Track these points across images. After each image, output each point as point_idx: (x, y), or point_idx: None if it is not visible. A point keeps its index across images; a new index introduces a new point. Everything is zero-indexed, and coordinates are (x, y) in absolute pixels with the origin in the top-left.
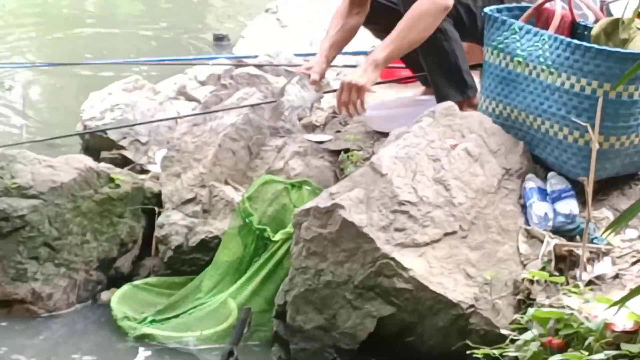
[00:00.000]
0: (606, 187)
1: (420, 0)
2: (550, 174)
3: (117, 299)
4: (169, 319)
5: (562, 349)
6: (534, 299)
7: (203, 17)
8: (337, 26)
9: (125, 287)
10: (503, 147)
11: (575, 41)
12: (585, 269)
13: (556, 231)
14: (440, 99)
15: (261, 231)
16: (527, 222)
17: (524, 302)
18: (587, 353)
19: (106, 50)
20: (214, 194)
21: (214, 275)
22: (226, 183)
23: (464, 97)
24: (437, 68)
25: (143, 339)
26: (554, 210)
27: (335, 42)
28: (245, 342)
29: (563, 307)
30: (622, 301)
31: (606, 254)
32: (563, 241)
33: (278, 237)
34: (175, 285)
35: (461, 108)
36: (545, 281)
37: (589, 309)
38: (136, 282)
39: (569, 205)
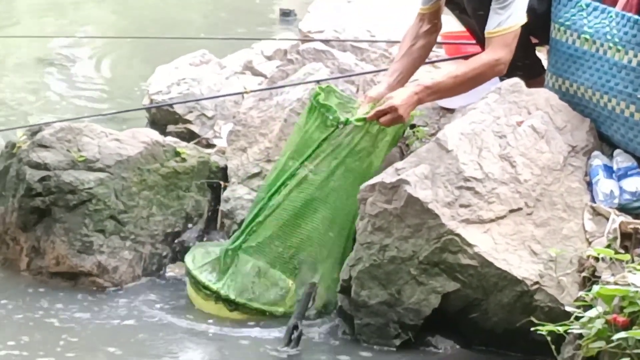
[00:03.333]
0: None
1: (482, 60)
2: (617, 151)
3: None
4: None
5: (626, 327)
6: (599, 277)
7: None
8: (405, 47)
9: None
10: (569, 124)
11: None
12: None
13: (622, 209)
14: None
15: (326, 108)
16: (592, 200)
17: (589, 280)
18: None
19: (173, 21)
20: None
21: (271, 172)
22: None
23: (529, 78)
24: None
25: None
26: (620, 188)
27: (401, 69)
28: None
29: (628, 284)
30: None
31: None
32: (629, 219)
33: (356, 122)
34: None
35: (527, 85)
36: (611, 259)
37: None
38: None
39: (635, 183)
